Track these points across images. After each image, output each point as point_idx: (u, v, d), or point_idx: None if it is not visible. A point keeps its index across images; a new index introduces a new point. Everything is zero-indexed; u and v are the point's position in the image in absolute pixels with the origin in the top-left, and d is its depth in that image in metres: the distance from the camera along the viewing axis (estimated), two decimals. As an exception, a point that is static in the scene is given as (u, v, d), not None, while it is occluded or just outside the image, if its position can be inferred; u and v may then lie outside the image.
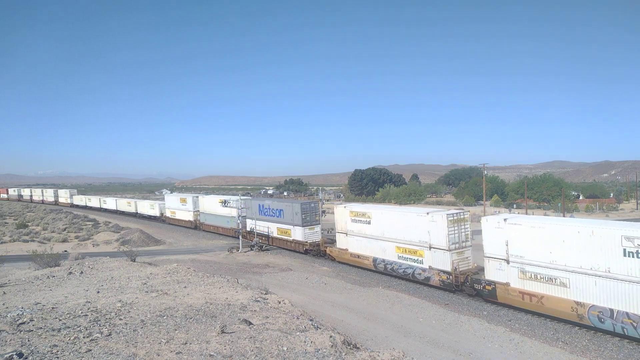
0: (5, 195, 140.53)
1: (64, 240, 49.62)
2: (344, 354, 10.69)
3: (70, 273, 22.20)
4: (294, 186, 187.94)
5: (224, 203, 51.43)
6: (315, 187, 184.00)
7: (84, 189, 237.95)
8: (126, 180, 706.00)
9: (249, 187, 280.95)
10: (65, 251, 39.57)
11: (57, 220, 68.69)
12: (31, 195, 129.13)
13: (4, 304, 14.88)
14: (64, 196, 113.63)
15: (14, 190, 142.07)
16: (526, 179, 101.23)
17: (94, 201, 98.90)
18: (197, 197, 61.37)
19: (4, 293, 17.46)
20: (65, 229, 57.91)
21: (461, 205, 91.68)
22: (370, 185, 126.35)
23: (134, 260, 28.64)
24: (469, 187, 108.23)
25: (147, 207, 76.25)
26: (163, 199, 78.67)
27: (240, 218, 45.46)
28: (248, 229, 45.53)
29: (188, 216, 61.06)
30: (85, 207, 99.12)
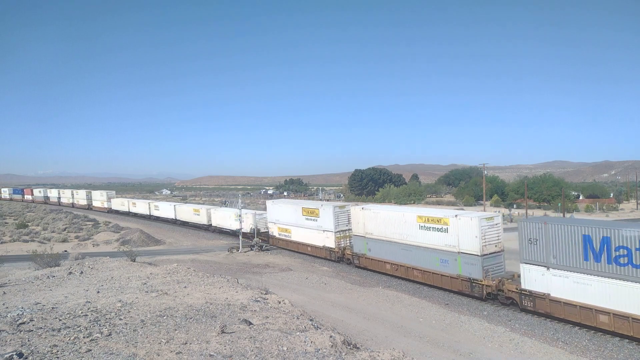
0: (30, 197, 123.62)
1: (64, 240, 49.63)
2: (344, 354, 10.69)
3: (70, 273, 22.19)
4: (294, 186, 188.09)
5: (434, 225, 26.96)
6: (315, 187, 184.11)
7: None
8: (126, 180, 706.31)
9: (249, 187, 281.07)
10: (65, 251, 39.58)
11: (57, 220, 68.68)
12: (59, 197, 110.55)
13: (4, 304, 14.88)
14: (99, 199, 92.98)
15: (39, 192, 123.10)
16: (526, 179, 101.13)
17: (140, 206, 77.41)
18: (347, 207, 36.79)
19: (4, 293, 17.45)
20: (65, 229, 57.91)
21: (461, 205, 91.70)
22: (370, 185, 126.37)
23: (134, 260, 28.63)
24: (469, 187, 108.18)
25: (228, 218, 52.69)
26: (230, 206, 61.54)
27: (240, 219, 45.36)
28: (546, 292, 20.85)
29: (319, 239, 37.34)
30: (127, 214, 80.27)
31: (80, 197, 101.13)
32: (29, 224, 63.21)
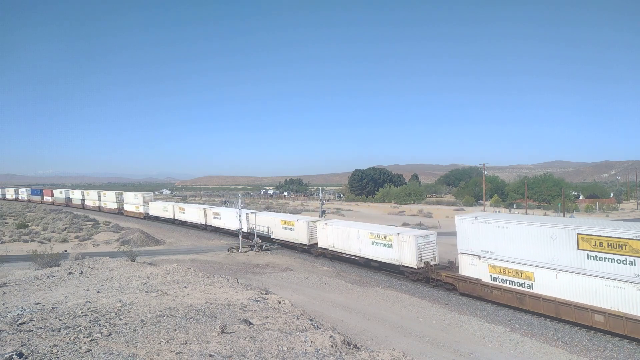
0: (49, 198, 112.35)
1: (64, 240, 49.62)
2: (344, 354, 10.69)
3: (70, 273, 22.20)
4: (294, 186, 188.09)
5: None
6: (315, 187, 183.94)
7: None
8: (126, 180, 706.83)
9: (249, 187, 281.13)
10: (65, 251, 39.58)
11: (57, 220, 68.68)
12: (83, 200, 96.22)
13: (4, 304, 14.88)
14: (132, 202, 76.86)
15: (60, 192, 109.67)
16: (526, 179, 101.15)
17: (192, 213, 60.22)
18: None
19: (4, 293, 17.46)
20: (65, 229, 57.90)
21: (461, 205, 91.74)
22: (370, 185, 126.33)
23: (134, 260, 28.64)
24: (469, 187, 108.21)
25: (359, 238, 32.76)
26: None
27: (240, 219, 45.36)
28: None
29: None
30: (172, 222, 64.49)
31: (109, 199, 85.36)
32: (29, 224, 63.21)
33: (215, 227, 55.46)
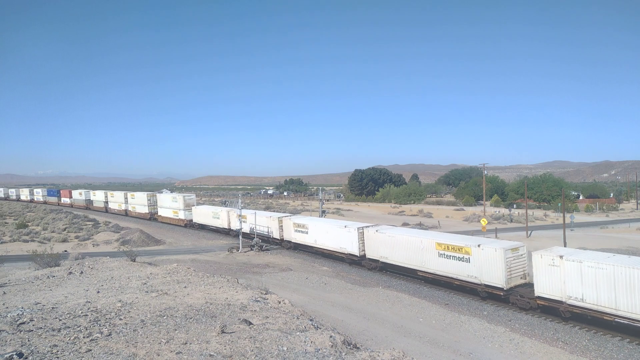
0: (67, 200, 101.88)
1: (64, 240, 49.59)
2: (344, 354, 10.69)
3: (70, 273, 22.19)
4: (294, 186, 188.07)
5: None
6: (315, 187, 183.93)
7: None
8: (126, 180, 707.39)
9: (249, 187, 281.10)
10: (65, 251, 39.56)
11: (57, 220, 68.67)
12: (106, 202, 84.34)
13: (4, 304, 14.88)
14: (169, 206, 63.64)
15: (80, 194, 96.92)
16: (526, 179, 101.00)
17: (253, 220, 45.05)
18: None
19: (4, 293, 17.45)
20: (65, 229, 57.88)
21: (461, 205, 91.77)
22: (370, 185, 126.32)
23: (134, 260, 28.63)
24: (469, 187, 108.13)
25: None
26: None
27: (240, 219, 45.33)
28: None
29: None
30: (226, 233, 51.20)
31: (139, 202, 71.85)
32: (29, 224, 63.21)
33: (296, 244, 39.66)
